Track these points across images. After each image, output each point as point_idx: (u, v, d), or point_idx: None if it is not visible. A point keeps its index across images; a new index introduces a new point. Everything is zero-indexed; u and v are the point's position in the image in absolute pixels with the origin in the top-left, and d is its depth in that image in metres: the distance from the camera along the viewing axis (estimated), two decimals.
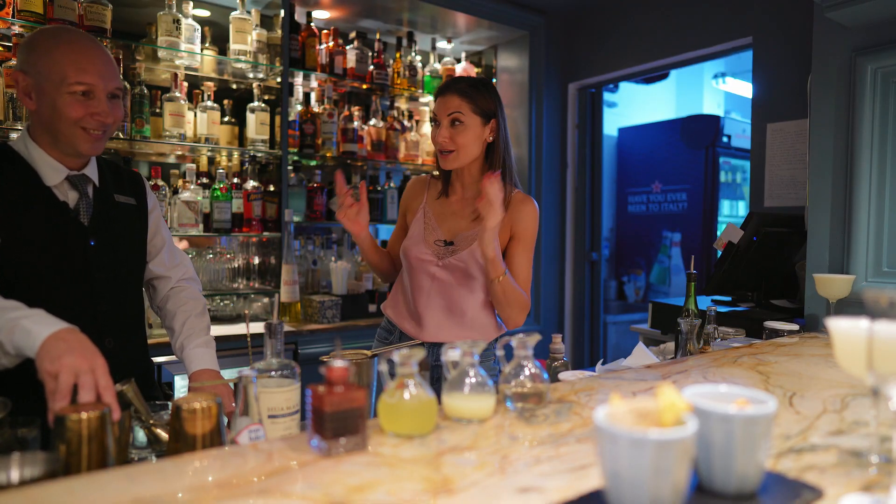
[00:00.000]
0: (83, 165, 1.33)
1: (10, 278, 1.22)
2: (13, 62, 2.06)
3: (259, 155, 2.76)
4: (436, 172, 1.76)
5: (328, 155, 2.90)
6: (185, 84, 2.60)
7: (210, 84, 2.62)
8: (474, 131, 1.59)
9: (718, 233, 4.13)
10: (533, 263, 3.32)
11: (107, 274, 1.34)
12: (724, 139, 4.48)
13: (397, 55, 3.14)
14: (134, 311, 1.44)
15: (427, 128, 3.27)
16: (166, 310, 1.50)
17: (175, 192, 2.54)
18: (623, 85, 4.83)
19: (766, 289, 2.39)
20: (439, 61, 3.32)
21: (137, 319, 1.46)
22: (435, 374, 1.67)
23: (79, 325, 1.19)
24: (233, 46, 2.60)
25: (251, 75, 2.77)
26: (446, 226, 1.69)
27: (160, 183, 2.42)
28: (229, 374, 2.07)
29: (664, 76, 4.59)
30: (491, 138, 1.63)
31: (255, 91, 2.71)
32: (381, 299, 2.83)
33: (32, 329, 1.01)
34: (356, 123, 2.98)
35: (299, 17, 2.87)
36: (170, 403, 1.02)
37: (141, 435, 1.05)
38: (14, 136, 2.12)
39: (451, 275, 1.63)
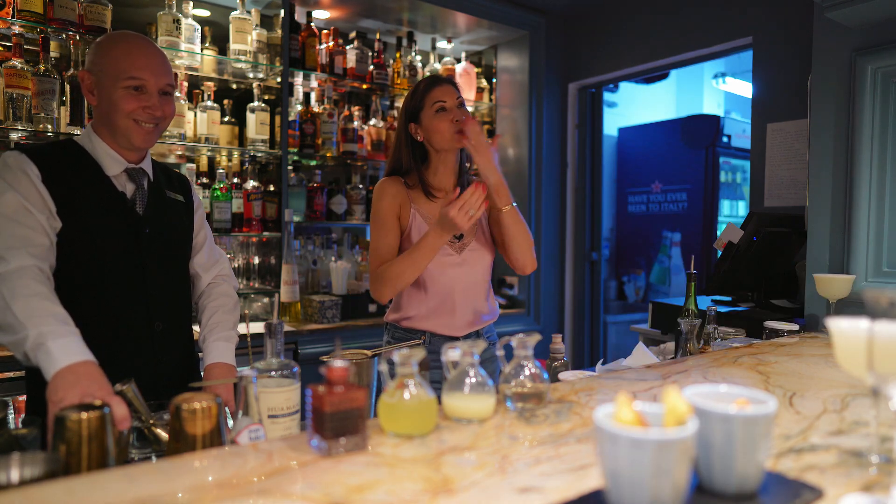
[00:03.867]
0: (140, 160, 1.43)
1: (70, 263, 1.30)
2: (13, 62, 2.06)
3: (259, 155, 2.76)
4: (394, 179, 1.76)
5: (328, 155, 2.90)
6: (185, 84, 2.60)
7: (210, 84, 2.62)
8: None
9: (718, 233, 4.13)
10: None
11: (158, 261, 1.42)
12: (724, 139, 4.48)
13: (397, 55, 3.14)
14: (182, 298, 1.52)
15: None
16: (200, 305, 1.57)
17: None
18: (623, 85, 4.82)
19: (766, 289, 2.39)
20: (439, 61, 3.32)
21: (185, 307, 1.54)
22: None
23: (131, 308, 1.36)
24: (233, 46, 2.60)
25: (251, 75, 2.77)
26: None
27: None
28: None
29: (664, 76, 4.59)
30: None
31: (255, 91, 2.71)
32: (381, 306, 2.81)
33: (53, 353, 1.06)
34: (356, 123, 2.98)
35: (299, 17, 2.87)
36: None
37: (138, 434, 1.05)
38: (14, 135, 2.12)
39: (471, 264, 1.74)
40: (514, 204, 1.68)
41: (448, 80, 1.74)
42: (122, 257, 1.37)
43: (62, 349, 1.07)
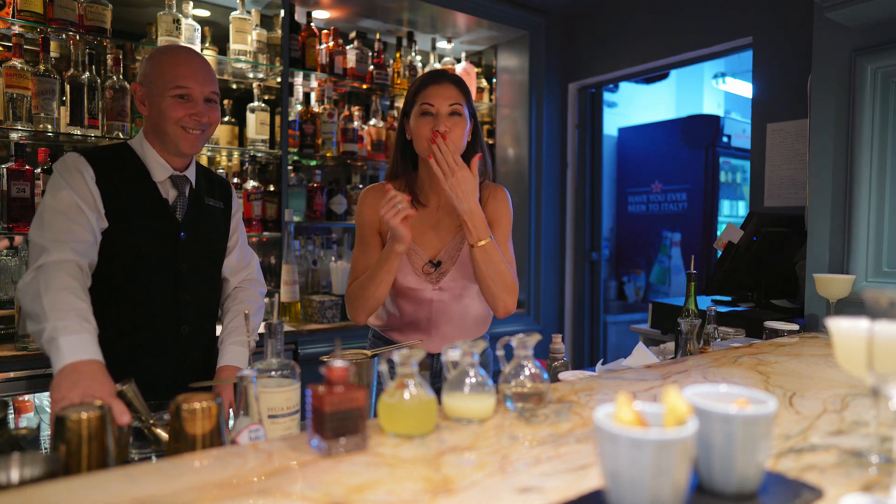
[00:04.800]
0: (185, 167, 1.50)
1: (110, 262, 1.36)
2: (13, 62, 2.06)
3: (259, 155, 2.76)
4: (388, 184, 1.51)
5: (328, 155, 2.90)
6: None
7: None
8: (466, 127, 1.52)
9: (718, 233, 4.13)
10: (533, 263, 3.34)
11: (191, 266, 1.48)
12: (724, 139, 4.48)
13: (397, 55, 3.14)
14: (211, 302, 1.57)
15: None
16: (224, 307, 1.61)
17: None
18: (623, 85, 4.82)
19: (766, 289, 2.39)
20: (439, 61, 3.32)
21: (212, 311, 1.58)
22: (438, 383, 1.65)
23: (161, 311, 1.42)
24: (233, 46, 2.60)
25: (251, 75, 2.77)
26: (427, 243, 1.59)
27: None
28: None
29: (664, 76, 4.59)
30: (469, 138, 1.56)
31: (255, 91, 2.71)
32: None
33: (61, 349, 1.10)
34: (356, 123, 2.98)
35: (299, 17, 2.87)
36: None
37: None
38: (14, 135, 2.13)
39: (449, 293, 1.59)
40: (491, 238, 1.46)
41: (450, 80, 1.53)
42: (158, 260, 1.42)
43: (70, 346, 1.10)
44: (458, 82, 1.54)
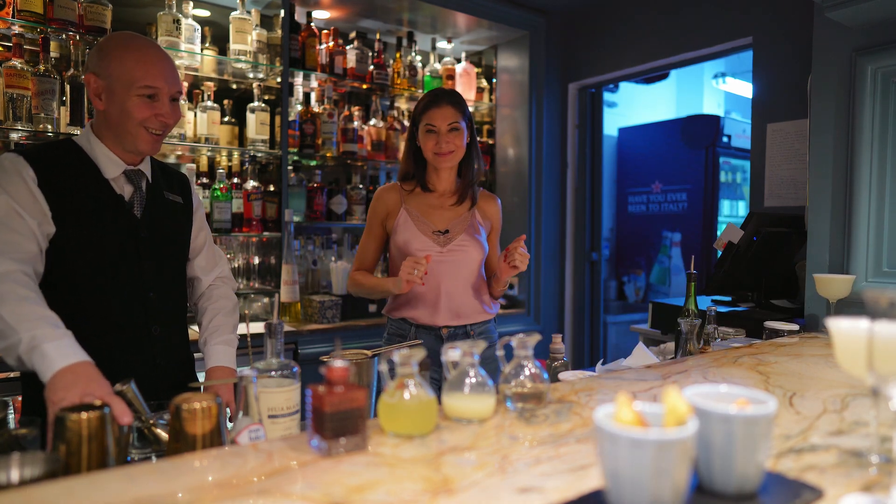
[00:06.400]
0: (139, 162, 1.43)
1: (69, 266, 1.30)
2: (13, 62, 2.06)
3: (259, 155, 2.76)
4: (400, 182, 1.94)
5: (328, 155, 2.90)
6: (186, 84, 2.59)
7: (210, 84, 2.62)
8: (464, 135, 1.85)
9: (718, 233, 4.13)
10: (533, 263, 3.50)
11: (156, 264, 1.42)
12: (724, 139, 4.48)
13: (397, 55, 3.14)
14: (179, 301, 1.52)
15: None
16: (199, 307, 1.57)
17: None
18: (623, 85, 4.82)
19: (766, 289, 2.39)
20: (439, 61, 3.32)
21: (181, 310, 1.54)
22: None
23: (129, 311, 1.36)
24: (233, 46, 2.60)
25: (251, 75, 2.77)
26: (435, 218, 1.89)
27: None
28: None
29: (664, 76, 4.59)
30: (468, 139, 1.88)
31: (255, 91, 2.71)
32: (381, 300, 2.81)
33: (49, 355, 1.06)
34: (356, 123, 2.98)
35: (299, 17, 2.87)
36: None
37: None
38: (14, 136, 2.12)
39: (455, 257, 1.84)
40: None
41: (449, 101, 1.82)
42: (119, 260, 1.36)
43: (58, 351, 1.07)
44: (456, 102, 1.84)
